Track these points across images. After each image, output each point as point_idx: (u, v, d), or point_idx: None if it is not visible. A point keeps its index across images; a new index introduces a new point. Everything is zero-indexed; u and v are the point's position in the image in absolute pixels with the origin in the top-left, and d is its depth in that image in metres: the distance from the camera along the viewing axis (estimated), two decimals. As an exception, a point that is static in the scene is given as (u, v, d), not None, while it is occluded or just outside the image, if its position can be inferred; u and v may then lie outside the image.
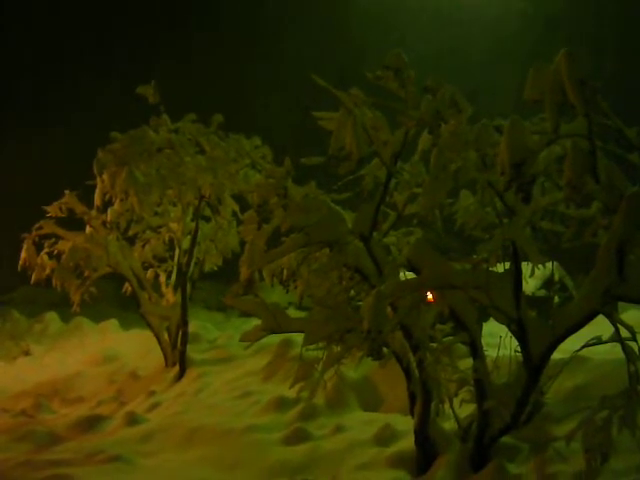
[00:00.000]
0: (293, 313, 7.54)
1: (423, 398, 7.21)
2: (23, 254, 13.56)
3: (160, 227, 13.99)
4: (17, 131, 28.21)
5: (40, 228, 13.62)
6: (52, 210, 13.60)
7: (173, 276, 14.26)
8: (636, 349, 5.94)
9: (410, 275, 6.90)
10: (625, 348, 5.96)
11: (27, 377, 14.84)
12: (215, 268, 14.27)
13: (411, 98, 6.46)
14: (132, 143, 12.14)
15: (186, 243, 13.55)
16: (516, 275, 6.25)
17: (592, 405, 6.14)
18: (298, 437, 8.64)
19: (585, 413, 6.14)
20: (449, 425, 7.47)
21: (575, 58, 5.30)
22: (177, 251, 13.91)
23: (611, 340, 6.10)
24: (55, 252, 13.65)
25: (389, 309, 6.45)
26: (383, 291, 5.78)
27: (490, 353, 7.34)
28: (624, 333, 5.97)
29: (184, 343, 13.14)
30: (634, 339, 5.94)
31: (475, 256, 6.50)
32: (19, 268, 13.72)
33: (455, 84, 6.29)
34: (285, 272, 7.78)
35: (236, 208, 13.02)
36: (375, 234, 7.05)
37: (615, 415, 5.89)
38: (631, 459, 6.10)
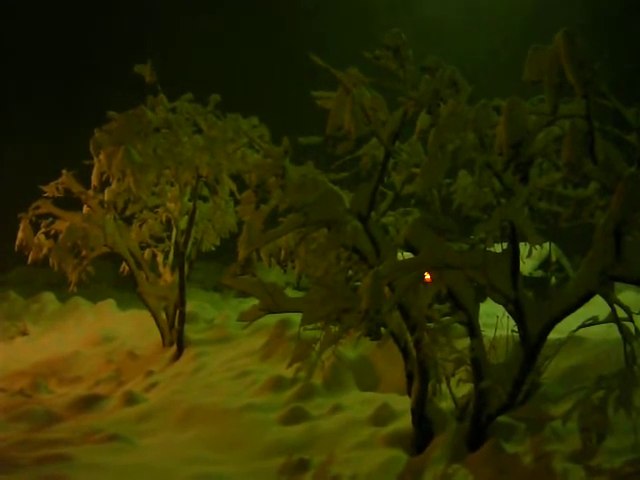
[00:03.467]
0: (291, 293, 7.55)
1: (420, 378, 7.24)
2: (20, 234, 13.51)
3: (157, 207, 13.96)
4: (11, 111, 28.07)
5: (37, 208, 13.58)
6: (49, 190, 13.57)
7: (170, 256, 14.24)
8: (632, 329, 5.97)
9: (408, 255, 6.91)
10: (621, 328, 5.99)
11: (24, 357, 14.84)
12: (213, 248, 14.25)
13: (410, 78, 6.45)
14: (129, 123, 12.10)
15: (183, 223, 13.52)
16: (513, 255, 6.25)
17: (588, 385, 6.18)
18: (295, 417, 8.68)
19: (581, 393, 6.18)
20: (446, 405, 7.50)
21: (574, 38, 5.29)
22: (174, 231, 13.87)
23: (608, 320, 6.13)
24: (52, 232, 13.62)
25: (387, 289, 6.46)
26: (381, 271, 5.79)
27: (487, 333, 7.36)
28: (621, 313, 6.00)
29: (181, 323, 13.15)
30: (631, 319, 5.97)
31: (473, 236, 6.52)
32: (16, 248, 13.70)
33: (454, 64, 6.28)
34: (283, 252, 7.79)
35: (234, 188, 12.98)
36: (373, 214, 7.05)
37: (611, 395, 5.93)
38: (626, 439, 6.13)
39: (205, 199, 13.63)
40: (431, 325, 7.01)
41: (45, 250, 13.48)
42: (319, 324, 6.79)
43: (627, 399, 5.90)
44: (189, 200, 13.32)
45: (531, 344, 6.37)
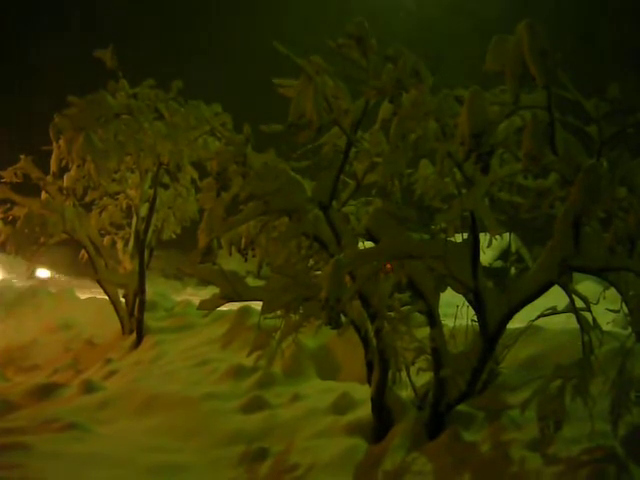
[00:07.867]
0: (251, 282, 7.51)
1: (380, 366, 7.26)
2: (-23, 220, 13.35)
3: (118, 194, 13.84)
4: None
5: (-6, 194, 13.40)
6: (7, 175, 13.38)
7: (130, 243, 14.11)
8: (590, 320, 6.04)
9: (369, 244, 6.92)
10: (580, 318, 6.06)
11: (-19, 345, 14.68)
12: (173, 236, 14.17)
13: (372, 67, 6.43)
14: (89, 108, 11.93)
15: (144, 210, 13.41)
16: (474, 245, 6.28)
17: (546, 374, 6.24)
18: (255, 405, 8.66)
19: (539, 382, 6.24)
20: (406, 393, 7.53)
21: (536, 30, 5.31)
22: (135, 218, 13.75)
23: (566, 310, 6.19)
24: (10, 218, 13.44)
25: (347, 278, 6.46)
26: (342, 260, 5.78)
27: (447, 322, 7.40)
28: (579, 304, 6.06)
29: (141, 311, 13.07)
30: (588, 310, 6.04)
31: (433, 226, 6.53)
32: (-27, 234, 13.50)
33: (417, 53, 6.27)
34: (244, 240, 7.75)
35: (195, 175, 12.91)
36: (334, 203, 7.04)
37: (569, 384, 6.00)
38: (583, 427, 6.19)
39: (166, 186, 13.53)
40: (391, 314, 7.03)
41: (3, 236, 13.31)
42: (279, 313, 6.78)
43: (584, 388, 5.97)
44: (150, 187, 13.21)
45: (490, 333, 6.41)
